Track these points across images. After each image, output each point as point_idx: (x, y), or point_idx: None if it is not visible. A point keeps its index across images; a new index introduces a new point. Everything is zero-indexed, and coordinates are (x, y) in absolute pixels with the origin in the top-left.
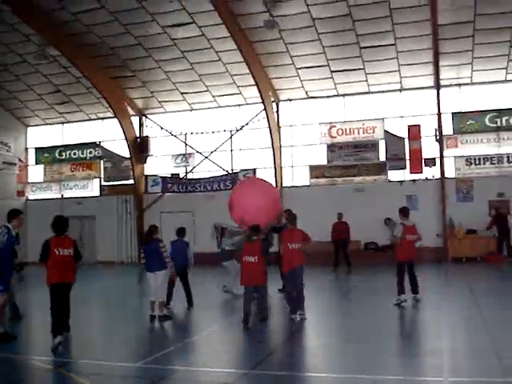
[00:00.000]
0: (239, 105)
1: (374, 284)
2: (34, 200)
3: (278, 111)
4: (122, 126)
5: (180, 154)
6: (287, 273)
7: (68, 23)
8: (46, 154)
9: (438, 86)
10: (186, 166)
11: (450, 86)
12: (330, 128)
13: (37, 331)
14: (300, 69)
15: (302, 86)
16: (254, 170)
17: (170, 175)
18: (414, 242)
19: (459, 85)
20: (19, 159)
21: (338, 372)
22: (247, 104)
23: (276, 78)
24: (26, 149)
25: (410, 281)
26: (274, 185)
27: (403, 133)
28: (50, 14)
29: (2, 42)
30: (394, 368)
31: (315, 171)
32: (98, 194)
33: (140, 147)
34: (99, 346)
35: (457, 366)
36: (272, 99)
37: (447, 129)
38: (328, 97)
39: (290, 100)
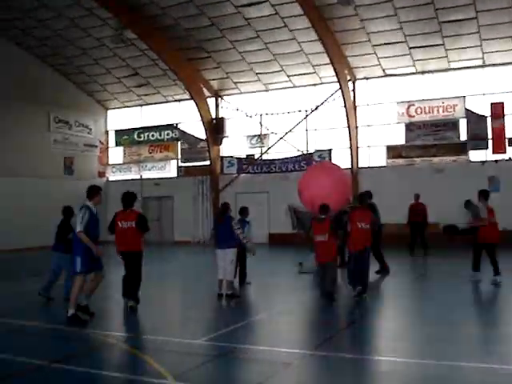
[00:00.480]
0: (314, 84)
1: (450, 267)
2: (114, 181)
3: (354, 90)
4: (198, 108)
5: (255, 135)
6: (356, 252)
7: (144, 6)
8: (125, 136)
9: None
10: (261, 147)
11: None
12: (408, 107)
13: (104, 307)
14: (376, 46)
15: (379, 64)
16: (330, 150)
17: (245, 156)
18: (496, 224)
19: None
20: (100, 141)
21: (404, 356)
22: (322, 83)
23: (352, 55)
24: (107, 131)
25: (492, 263)
26: (350, 166)
27: (485, 111)
28: None
29: (80, 26)
30: (460, 354)
31: (392, 151)
32: (175, 175)
33: (216, 128)
34: (166, 323)
35: None
36: (348, 78)
37: None
38: (406, 74)
39: (367, 78)
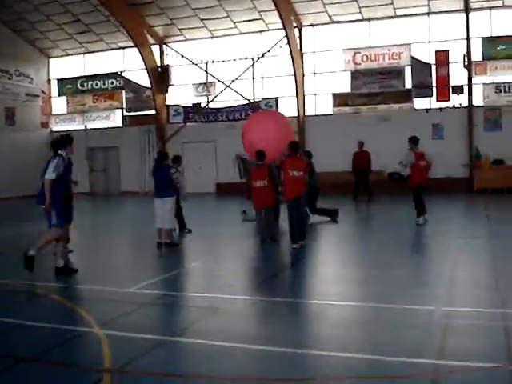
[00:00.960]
0: (261, 31)
1: (390, 212)
2: (58, 131)
3: (300, 37)
4: (142, 55)
5: (201, 83)
6: (291, 201)
7: None
8: (68, 86)
9: (467, 9)
10: (207, 96)
11: (481, 9)
12: (355, 54)
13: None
14: None
15: (326, 11)
16: (277, 98)
17: (191, 105)
18: (424, 167)
19: (490, 8)
20: (42, 91)
21: (333, 299)
22: (269, 30)
23: (298, 1)
24: (49, 80)
25: (416, 204)
26: (297, 114)
27: (430, 59)
28: None
29: None
30: (389, 297)
31: (338, 99)
32: (120, 124)
33: (161, 76)
34: (101, 272)
35: (453, 296)
36: (294, 25)
37: (476, 55)
38: (352, 21)
39: (313, 25)
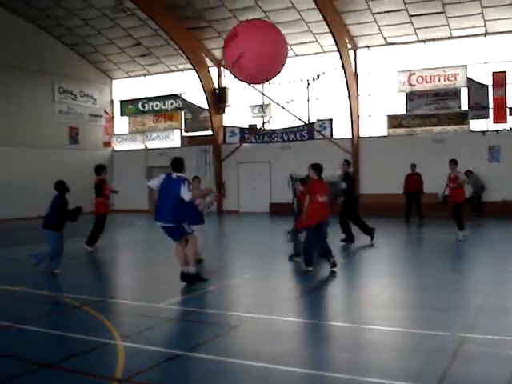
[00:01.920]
0: (316, 53)
1: (439, 235)
2: (120, 151)
3: (355, 59)
4: (200, 77)
5: (257, 105)
6: (312, 226)
7: None
8: (130, 106)
9: None
10: (263, 117)
11: None
12: (410, 76)
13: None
14: (377, 14)
15: (380, 32)
16: (331, 120)
17: (247, 126)
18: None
19: None
20: (105, 111)
21: (352, 322)
22: (324, 52)
23: (352, 24)
24: (112, 101)
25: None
26: (351, 135)
27: (487, 80)
28: None
29: None
30: (403, 321)
31: (393, 121)
32: (178, 144)
33: (218, 98)
34: (137, 287)
35: (476, 323)
36: (349, 47)
37: None
38: (407, 43)
39: (368, 47)
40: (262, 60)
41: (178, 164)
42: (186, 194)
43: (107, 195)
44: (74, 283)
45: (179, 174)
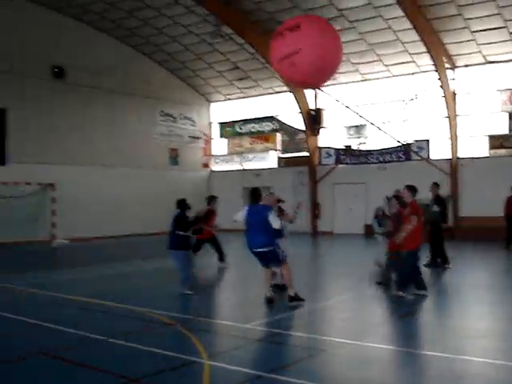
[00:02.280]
0: (413, 73)
1: None
2: (218, 171)
3: (453, 78)
4: (296, 99)
5: (353, 126)
6: (415, 250)
7: (239, 2)
8: (228, 128)
9: None
10: (358, 138)
11: None
12: (511, 95)
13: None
14: (476, 32)
15: (479, 51)
16: (427, 140)
17: (343, 147)
18: None
19: None
20: (204, 133)
21: (445, 351)
22: (421, 72)
23: (450, 43)
24: (210, 123)
25: None
26: (450, 156)
27: None
28: None
29: (181, 23)
30: (499, 353)
31: (495, 141)
32: (275, 165)
33: (314, 119)
34: (228, 307)
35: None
36: (447, 66)
37: None
38: (508, 61)
39: (467, 66)
40: (319, 63)
41: (257, 195)
42: (274, 221)
43: (212, 225)
44: (167, 301)
45: (262, 204)
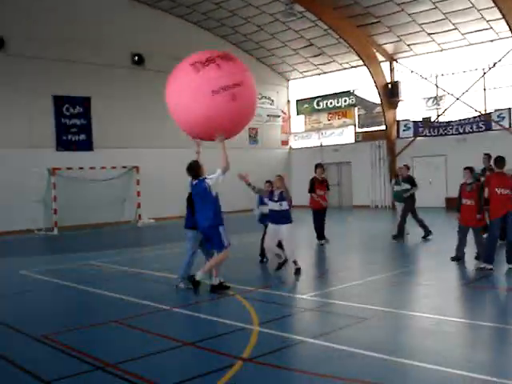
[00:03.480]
0: (491, 40)
1: None
2: (297, 148)
3: None
4: (371, 73)
5: (431, 97)
6: (496, 220)
7: None
8: (305, 105)
9: None
10: (437, 109)
11: None
12: None
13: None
14: None
15: None
16: (509, 109)
17: (421, 119)
18: None
19: None
20: (282, 111)
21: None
22: (500, 39)
23: None
24: (288, 101)
25: None
26: None
27: None
28: None
29: (254, 4)
30: None
31: None
32: (352, 140)
33: (391, 92)
34: (291, 280)
35: None
36: None
37: None
38: None
39: None
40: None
41: (192, 168)
42: (213, 183)
43: (318, 193)
44: (233, 273)
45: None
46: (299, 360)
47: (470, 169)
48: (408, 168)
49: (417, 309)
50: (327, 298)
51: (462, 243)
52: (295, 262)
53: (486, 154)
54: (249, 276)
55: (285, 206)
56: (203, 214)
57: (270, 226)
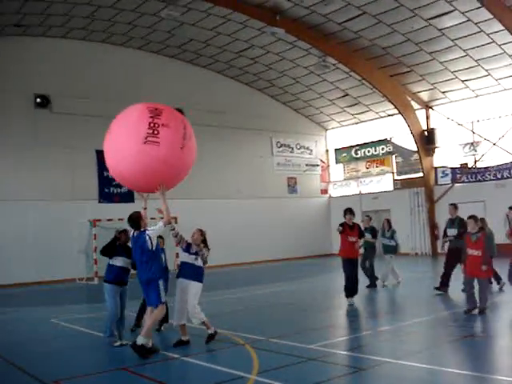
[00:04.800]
0: None
1: None
2: (336, 197)
3: None
4: (406, 121)
5: (467, 143)
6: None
7: (337, 32)
8: (343, 154)
9: None
10: (474, 155)
11: None
12: None
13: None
14: None
15: None
16: None
17: (458, 165)
18: None
19: None
20: (321, 160)
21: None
22: None
23: None
24: (327, 150)
25: None
26: None
27: None
28: (319, 27)
29: (288, 58)
30: None
31: None
32: (391, 188)
33: (427, 139)
34: (301, 329)
35: None
36: None
37: None
38: None
39: None
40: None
41: (132, 220)
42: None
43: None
44: (249, 323)
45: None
46: None
47: (473, 217)
48: (370, 219)
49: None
50: (332, 348)
51: (471, 295)
52: (206, 324)
53: (450, 205)
54: (265, 325)
55: (200, 262)
56: (143, 267)
57: (180, 280)
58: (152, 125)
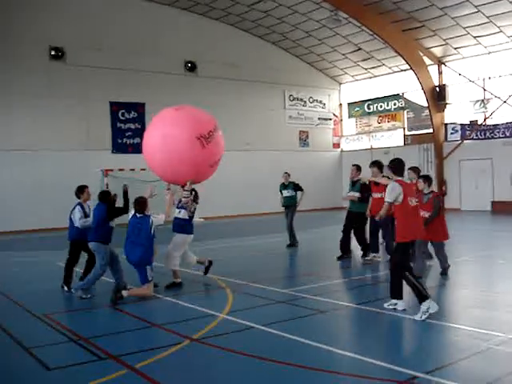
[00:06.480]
0: None
1: None
2: (348, 151)
3: None
4: (418, 77)
5: (478, 100)
6: None
7: None
8: (356, 108)
9: None
10: (484, 112)
11: None
12: None
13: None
14: None
15: None
16: None
17: (468, 122)
18: None
19: None
20: (334, 114)
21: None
22: None
23: None
24: (340, 104)
25: None
26: None
27: None
28: None
29: (300, 12)
30: None
31: None
32: (402, 143)
33: (438, 96)
34: (285, 275)
35: None
36: None
37: None
38: None
39: None
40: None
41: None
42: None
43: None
44: (237, 269)
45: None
46: (234, 341)
47: (425, 177)
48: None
49: None
50: (301, 293)
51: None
52: (175, 273)
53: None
54: (253, 271)
55: (183, 214)
56: (134, 249)
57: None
58: (210, 133)
